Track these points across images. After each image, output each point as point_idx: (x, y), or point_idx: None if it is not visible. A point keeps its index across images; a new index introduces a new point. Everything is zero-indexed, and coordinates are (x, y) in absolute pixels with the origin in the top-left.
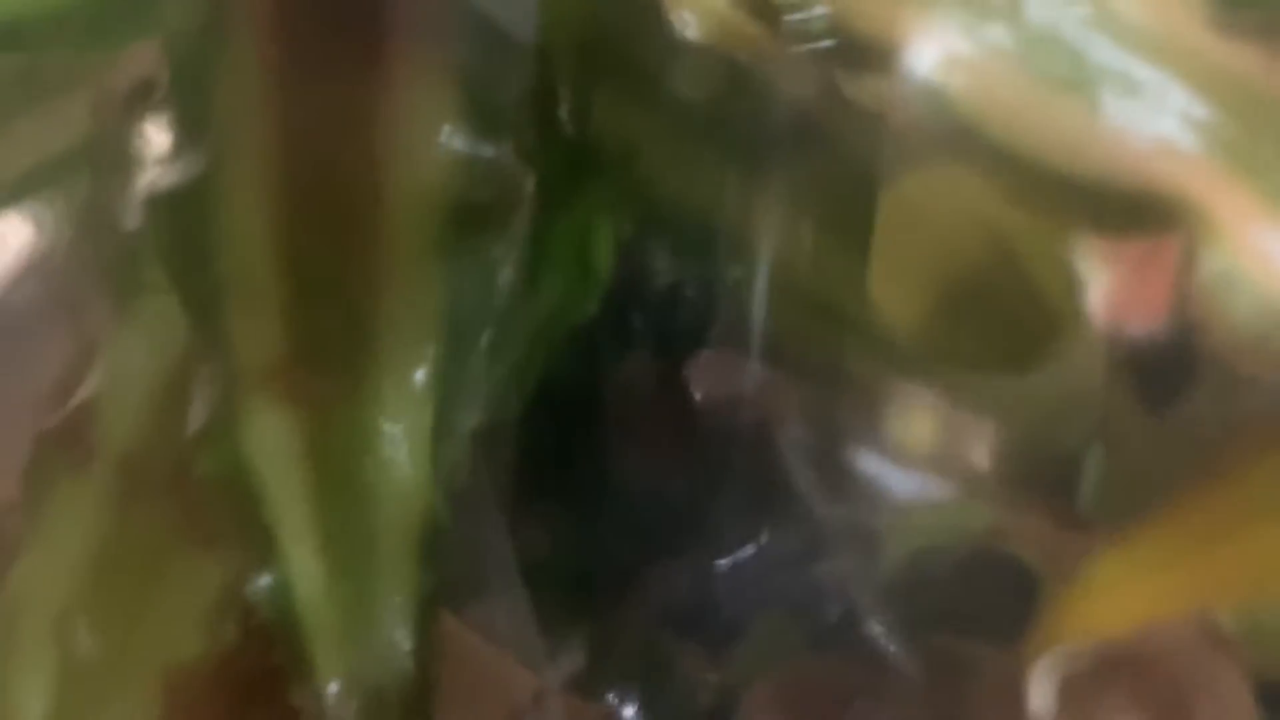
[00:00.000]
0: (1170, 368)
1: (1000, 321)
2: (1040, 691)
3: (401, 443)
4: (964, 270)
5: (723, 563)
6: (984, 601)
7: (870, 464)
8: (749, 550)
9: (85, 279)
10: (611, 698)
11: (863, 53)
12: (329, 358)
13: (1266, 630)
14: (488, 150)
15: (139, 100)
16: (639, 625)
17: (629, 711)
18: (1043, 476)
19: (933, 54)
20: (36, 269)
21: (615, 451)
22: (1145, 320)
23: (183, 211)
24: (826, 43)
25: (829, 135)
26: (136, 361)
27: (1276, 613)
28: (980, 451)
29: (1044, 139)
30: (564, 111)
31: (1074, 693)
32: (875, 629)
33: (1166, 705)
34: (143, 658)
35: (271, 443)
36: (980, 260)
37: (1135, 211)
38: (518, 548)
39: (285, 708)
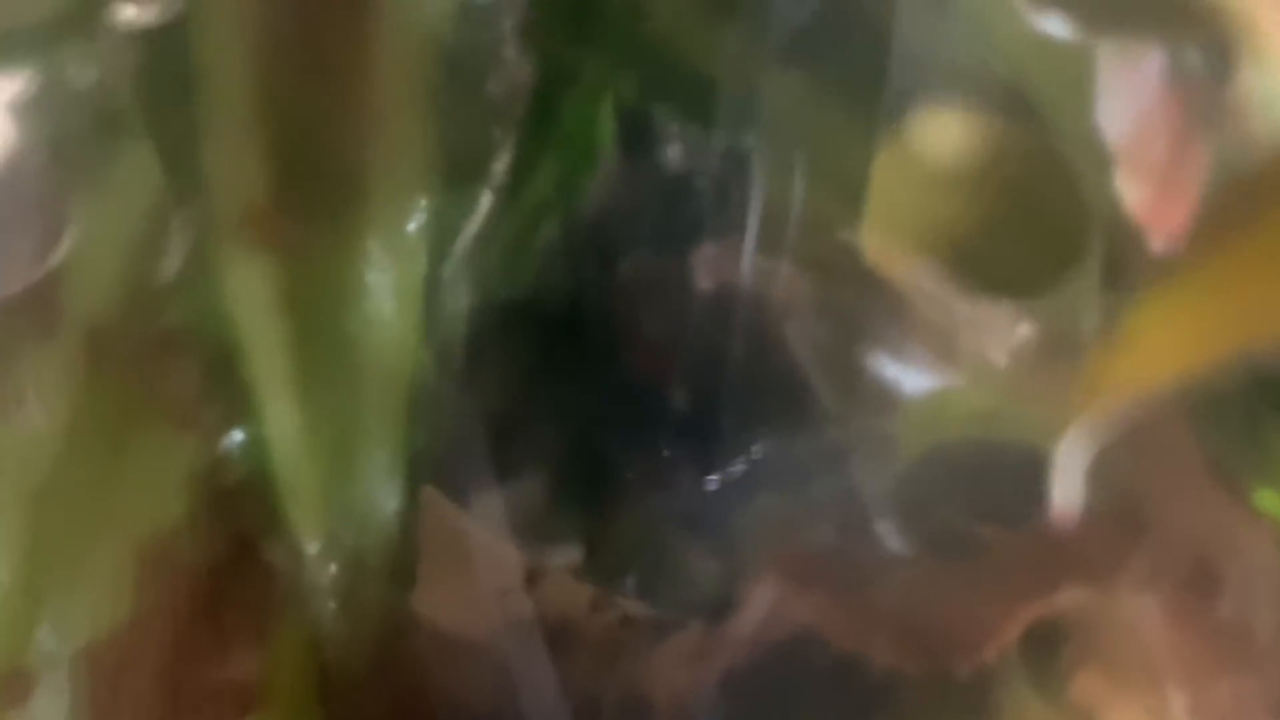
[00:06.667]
0: None
1: (1043, 232)
2: (1069, 467)
3: (389, 296)
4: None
5: (722, 474)
6: (991, 489)
7: (882, 358)
8: (751, 456)
9: (60, 152)
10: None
11: None
12: (313, 203)
13: None
14: None
15: None
16: (638, 520)
17: (628, 600)
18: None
19: None
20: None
21: (616, 346)
22: (1164, 239)
23: (161, 48)
24: None
25: None
26: (106, 225)
27: None
28: (991, 336)
29: None
30: None
31: (1090, 557)
32: (881, 519)
33: (1190, 580)
34: (115, 529)
35: (250, 291)
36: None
37: (1179, 20)
38: (512, 441)
39: (260, 580)
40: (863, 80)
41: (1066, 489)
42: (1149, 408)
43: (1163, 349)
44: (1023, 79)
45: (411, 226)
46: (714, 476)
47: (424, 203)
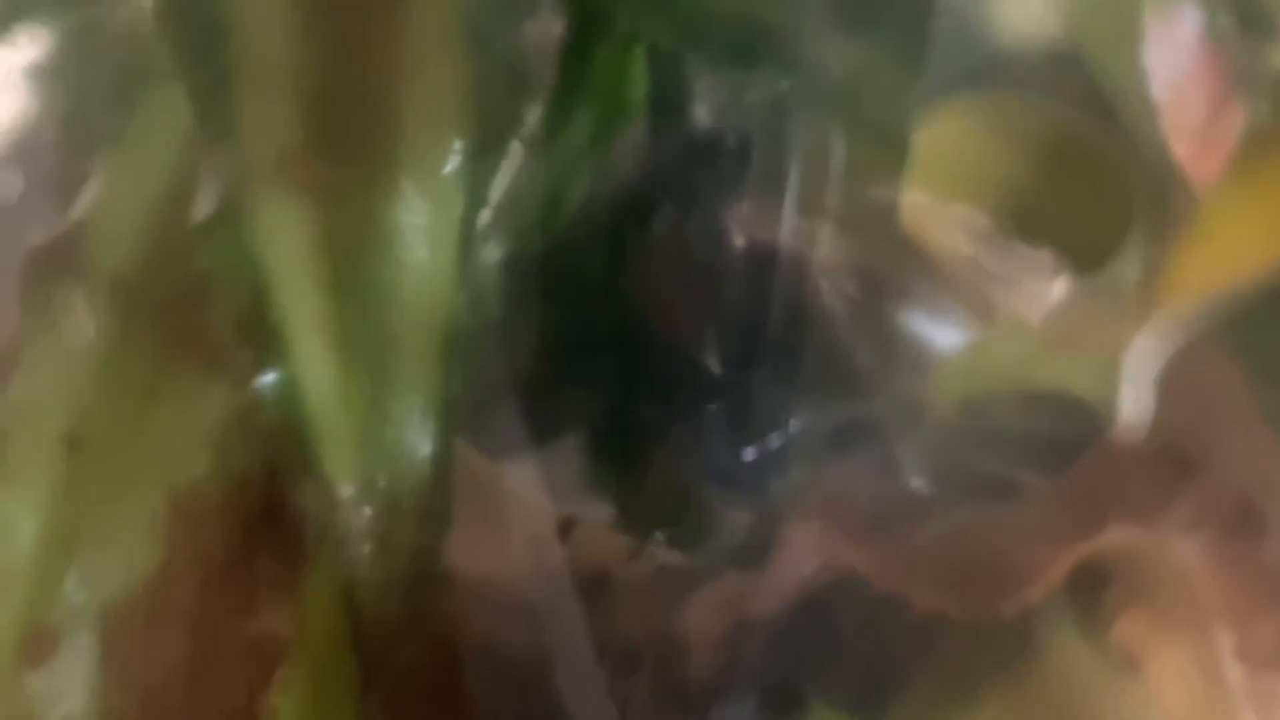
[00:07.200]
0: None
1: (1098, 187)
2: (1140, 371)
3: (424, 239)
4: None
5: (759, 436)
6: (1031, 440)
7: (918, 315)
8: (788, 414)
9: (90, 98)
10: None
11: None
12: (347, 145)
13: None
14: None
15: None
16: (672, 479)
17: (661, 551)
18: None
19: None
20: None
21: (650, 304)
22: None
23: None
24: None
25: None
26: (137, 170)
27: None
28: (1028, 290)
29: None
30: None
31: (1137, 497)
32: (920, 473)
33: (1237, 521)
34: (146, 477)
35: (283, 234)
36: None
37: None
38: (544, 400)
39: (292, 529)
40: (908, 33)
41: (1136, 395)
42: (1213, 317)
43: (1238, 243)
44: (1071, 31)
45: (447, 169)
46: (750, 445)
47: (459, 146)
